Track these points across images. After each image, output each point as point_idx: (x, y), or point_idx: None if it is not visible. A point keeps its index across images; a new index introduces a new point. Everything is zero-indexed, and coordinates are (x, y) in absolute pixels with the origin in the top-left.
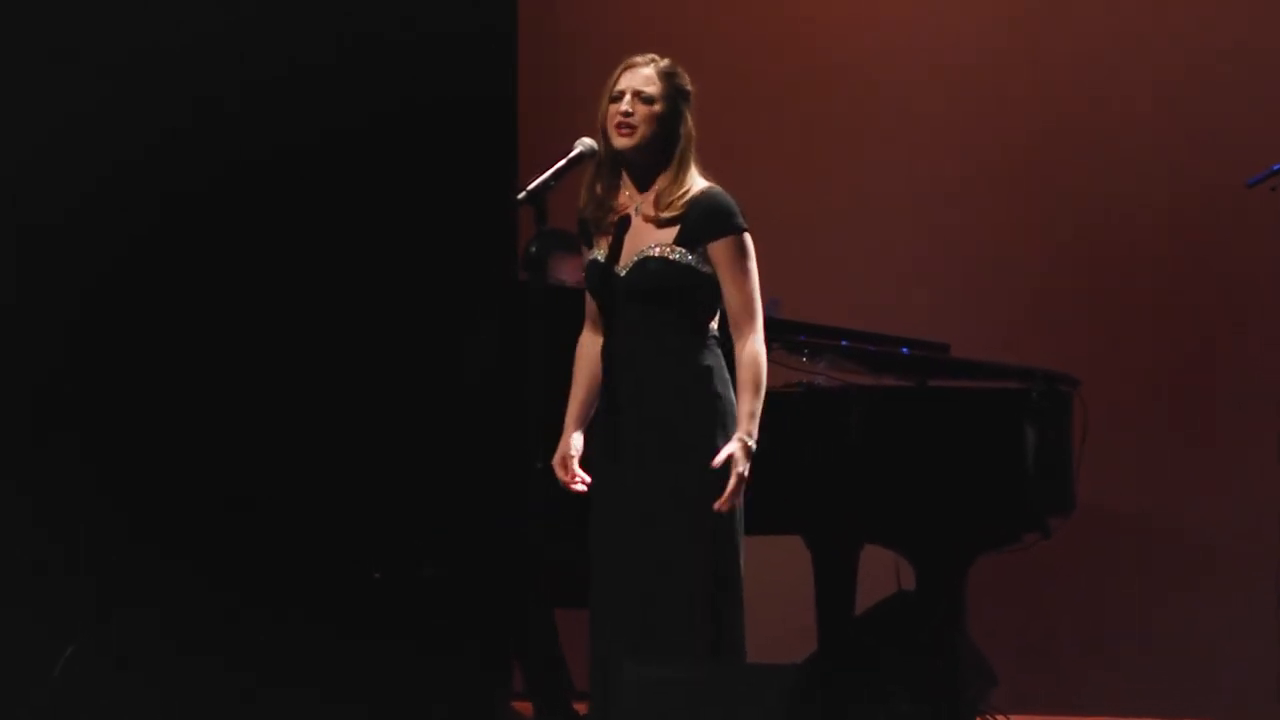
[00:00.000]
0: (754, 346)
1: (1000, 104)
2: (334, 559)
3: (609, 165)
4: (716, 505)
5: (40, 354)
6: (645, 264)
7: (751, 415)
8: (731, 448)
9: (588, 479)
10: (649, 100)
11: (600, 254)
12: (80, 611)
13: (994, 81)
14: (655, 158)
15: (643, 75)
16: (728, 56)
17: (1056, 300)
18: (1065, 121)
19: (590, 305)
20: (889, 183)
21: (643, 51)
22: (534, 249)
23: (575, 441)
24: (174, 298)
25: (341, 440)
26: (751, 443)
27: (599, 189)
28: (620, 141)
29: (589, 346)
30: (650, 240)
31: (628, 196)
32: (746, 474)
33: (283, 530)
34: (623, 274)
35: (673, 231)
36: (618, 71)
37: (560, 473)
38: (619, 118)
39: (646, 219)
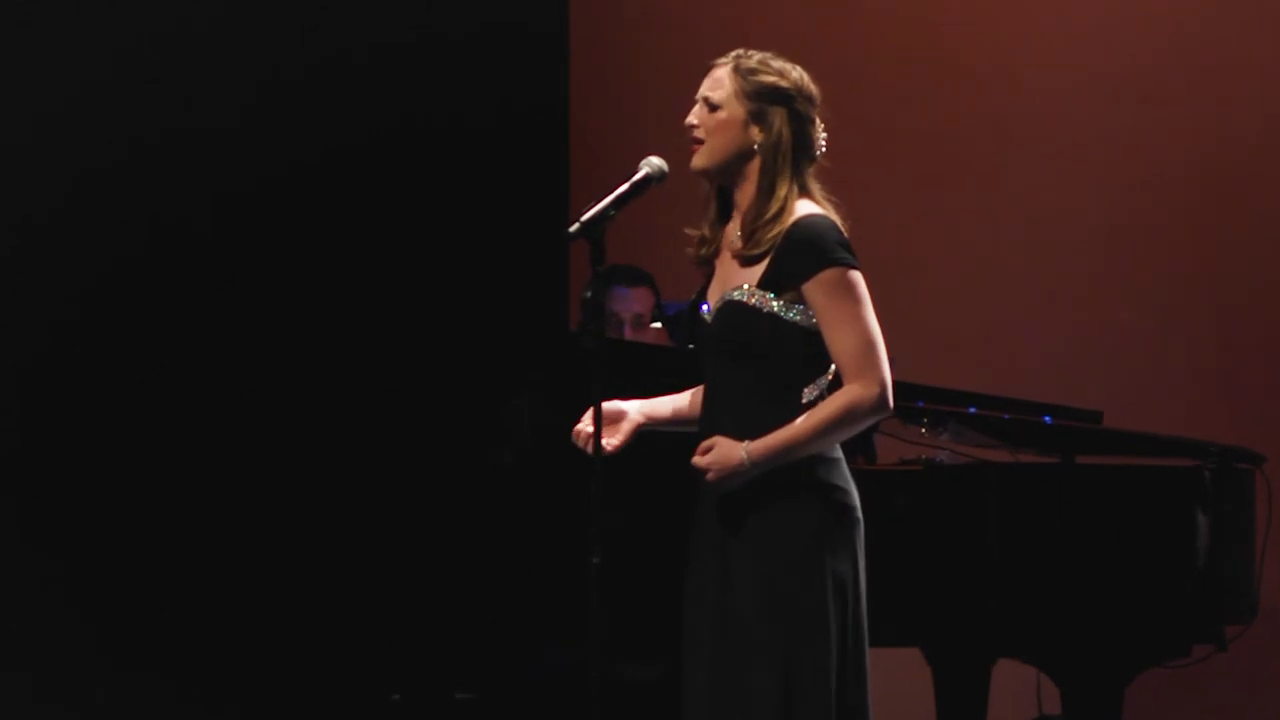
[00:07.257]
0: (847, 392)
1: (1170, 121)
2: (346, 678)
3: (707, 191)
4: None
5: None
6: (725, 310)
7: (781, 440)
8: (728, 443)
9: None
10: (714, 107)
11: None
12: None
13: (1163, 94)
14: (736, 179)
15: (713, 77)
16: (829, 58)
17: (1235, 359)
18: (1250, 142)
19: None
20: (1029, 215)
21: (729, 50)
22: (590, 294)
23: (639, 408)
24: (177, 339)
25: (355, 532)
26: (745, 457)
27: (703, 222)
28: (692, 161)
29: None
30: (736, 281)
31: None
32: (712, 472)
33: (288, 641)
34: (709, 321)
35: (758, 271)
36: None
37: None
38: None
39: (734, 255)
